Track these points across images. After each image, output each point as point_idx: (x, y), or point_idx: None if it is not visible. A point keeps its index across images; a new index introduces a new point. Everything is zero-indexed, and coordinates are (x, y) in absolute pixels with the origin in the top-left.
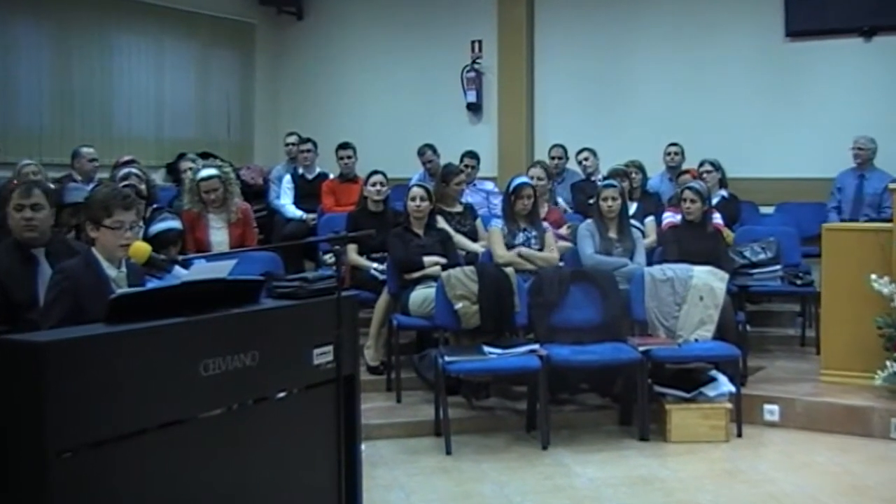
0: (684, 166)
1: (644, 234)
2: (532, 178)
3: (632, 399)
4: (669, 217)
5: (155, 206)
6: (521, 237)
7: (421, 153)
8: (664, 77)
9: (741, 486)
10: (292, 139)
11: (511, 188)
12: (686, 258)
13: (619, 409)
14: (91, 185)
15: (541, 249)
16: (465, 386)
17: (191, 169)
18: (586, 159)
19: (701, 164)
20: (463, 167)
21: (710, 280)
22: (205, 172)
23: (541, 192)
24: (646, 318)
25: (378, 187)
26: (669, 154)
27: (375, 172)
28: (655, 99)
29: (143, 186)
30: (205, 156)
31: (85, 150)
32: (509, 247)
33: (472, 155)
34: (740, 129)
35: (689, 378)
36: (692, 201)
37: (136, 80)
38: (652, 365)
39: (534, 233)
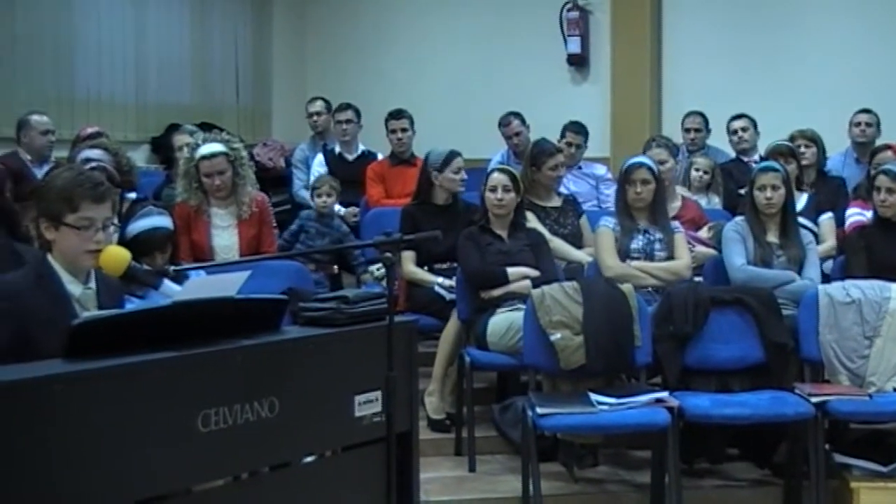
0: (879, 141)
1: (818, 238)
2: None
3: (801, 472)
4: (856, 214)
5: (135, 196)
6: (639, 240)
7: (504, 125)
8: (850, 14)
9: None
10: (317, 106)
11: (622, 170)
12: (881, 272)
13: (782, 486)
14: (46, 168)
15: (670, 258)
16: (565, 449)
17: (187, 145)
18: (744, 130)
19: None
20: (563, 144)
21: None
22: (206, 149)
23: (667, 181)
24: (821, 356)
25: (462, 175)
26: (858, 125)
27: (455, 154)
28: (837, 47)
29: (114, 169)
30: (205, 127)
31: (36, 118)
32: (624, 255)
33: (575, 127)
34: None
35: (885, 445)
36: (890, 191)
37: (107, 22)
38: (830, 424)
39: (658, 235)
